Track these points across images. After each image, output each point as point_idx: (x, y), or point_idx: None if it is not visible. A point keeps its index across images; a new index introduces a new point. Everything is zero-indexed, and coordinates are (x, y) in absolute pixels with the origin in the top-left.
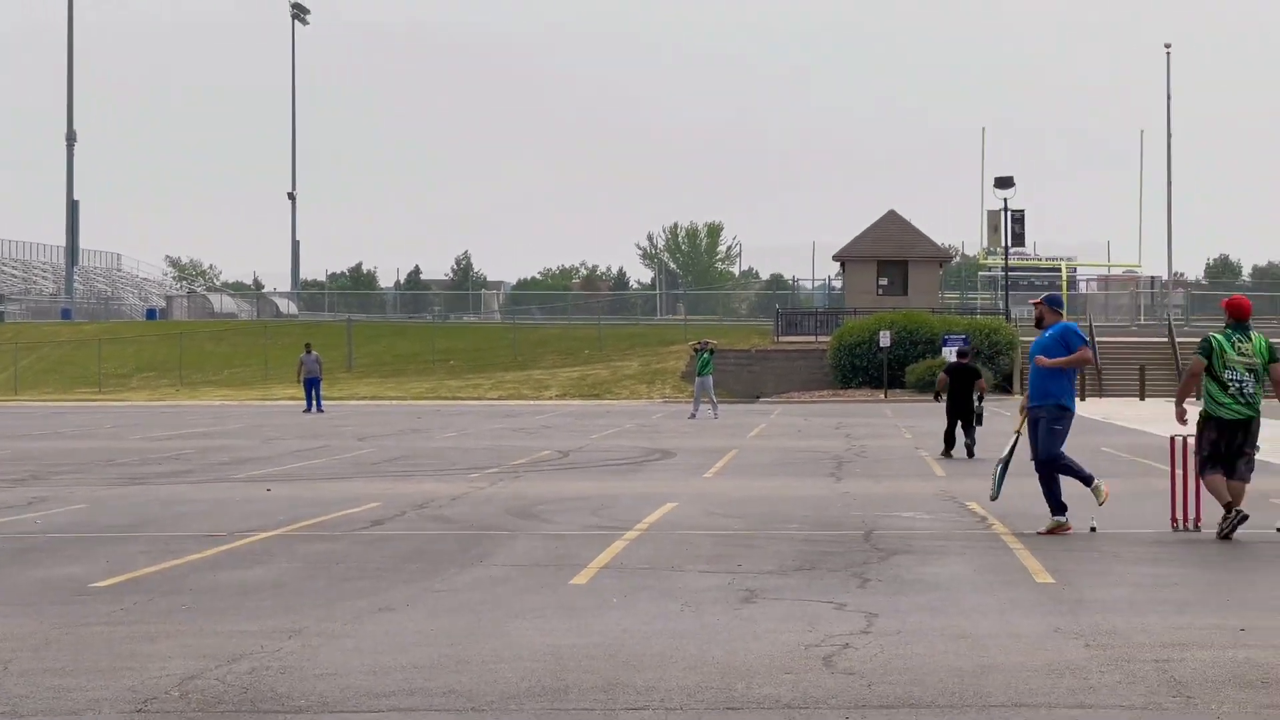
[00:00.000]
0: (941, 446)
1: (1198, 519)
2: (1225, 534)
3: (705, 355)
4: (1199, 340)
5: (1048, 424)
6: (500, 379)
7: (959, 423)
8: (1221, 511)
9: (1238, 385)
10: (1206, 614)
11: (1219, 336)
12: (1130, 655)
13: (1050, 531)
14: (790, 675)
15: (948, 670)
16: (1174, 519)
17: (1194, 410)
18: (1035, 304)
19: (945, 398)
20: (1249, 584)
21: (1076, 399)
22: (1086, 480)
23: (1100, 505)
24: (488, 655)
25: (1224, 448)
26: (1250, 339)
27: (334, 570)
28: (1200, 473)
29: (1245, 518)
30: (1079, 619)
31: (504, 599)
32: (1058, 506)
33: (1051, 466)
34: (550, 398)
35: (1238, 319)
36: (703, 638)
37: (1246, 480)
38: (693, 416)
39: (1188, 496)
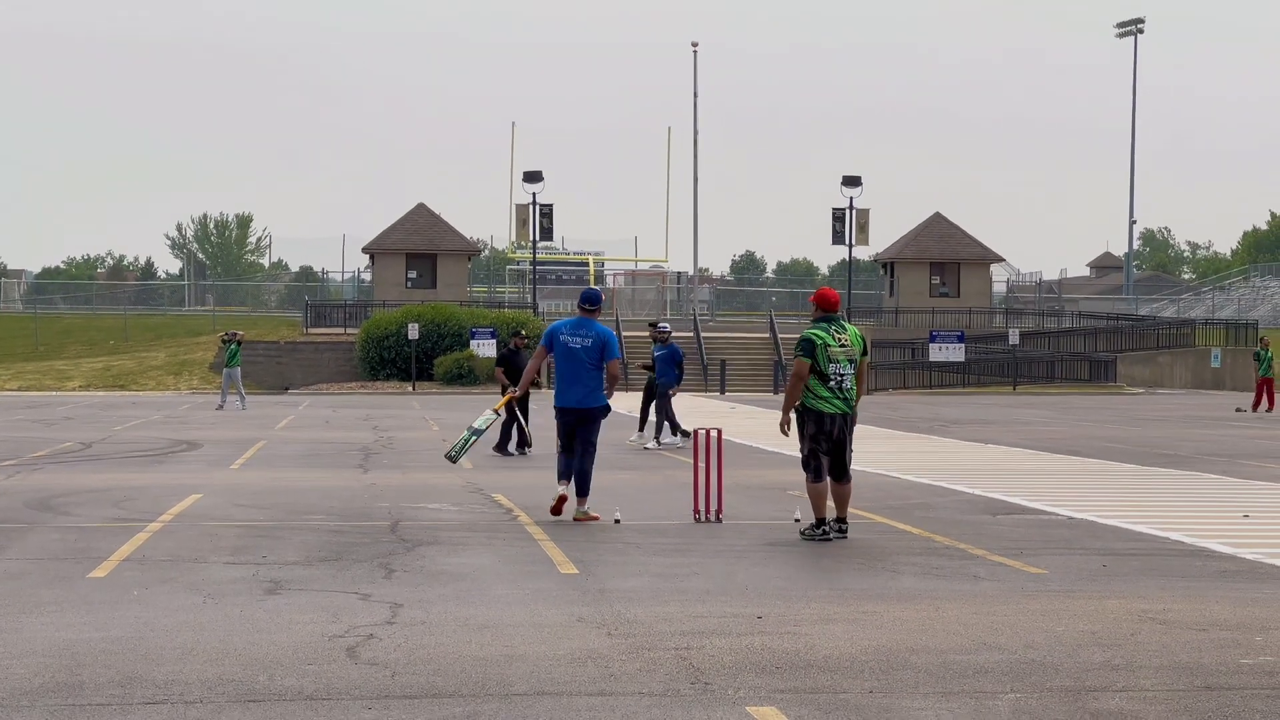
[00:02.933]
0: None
1: (719, 511)
2: (812, 537)
3: (233, 346)
4: (797, 340)
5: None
6: (21, 369)
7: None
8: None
9: (839, 379)
10: (725, 603)
11: (818, 331)
12: (651, 644)
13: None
14: (313, 666)
15: (472, 660)
16: (696, 510)
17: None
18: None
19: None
20: (766, 574)
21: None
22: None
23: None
24: None
25: (825, 445)
26: (845, 329)
27: None
28: (805, 470)
29: (843, 533)
30: (601, 608)
31: (18, 594)
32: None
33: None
34: (74, 389)
35: (829, 310)
36: (225, 630)
37: (849, 482)
38: (220, 407)
39: (710, 489)
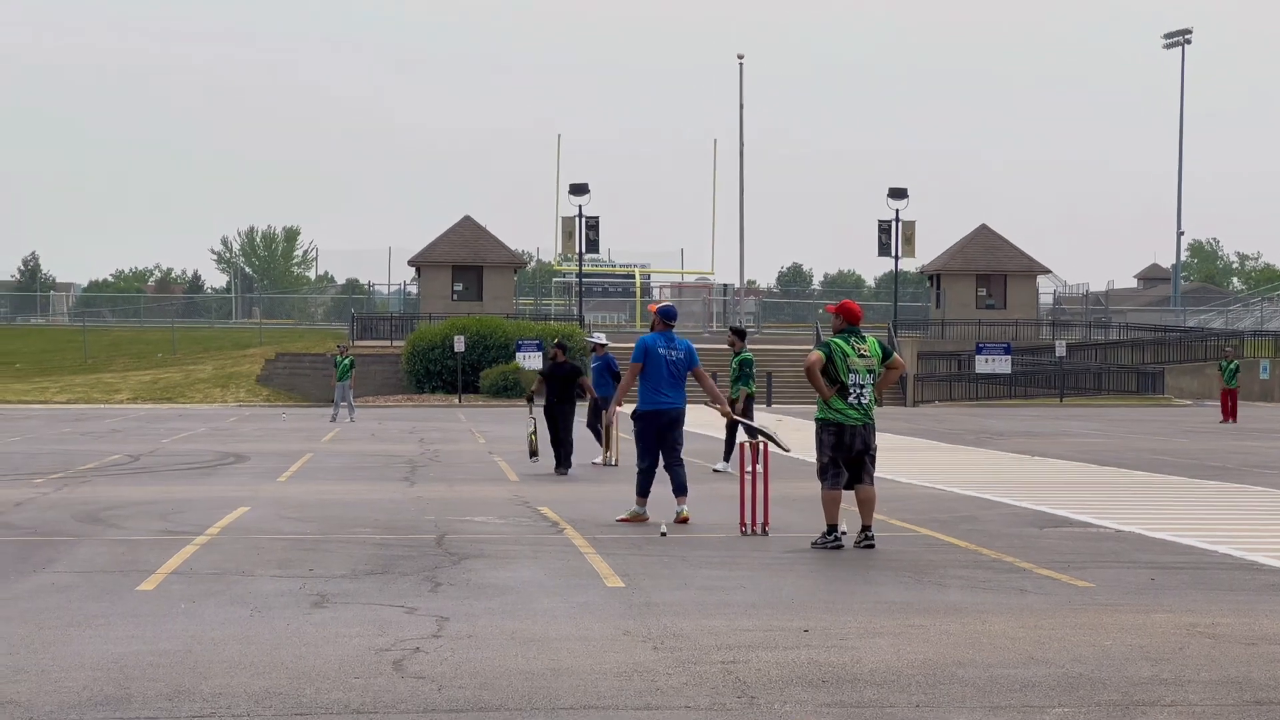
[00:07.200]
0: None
1: (765, 523)
2: (824, 545)
3: (344, 360)
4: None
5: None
6: (69, 382)
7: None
8: (828, 525)
9: (858, 391)
10: (771, 616)
11: (837, 340)
12: (697, 657)
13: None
14: (360, 679)
15: (518, 673)
16: (743, 523)
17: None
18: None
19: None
20: (812, 586)
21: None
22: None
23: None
24: (48, 665)
25: (844, 454)
26: (865, 340)
27: None
28: (821, 479)
29: (870, 543)
30: (647, 622)
31: (67, 607)
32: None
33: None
34: (121, 401)
35: (850, 323)
36: (272, 643)
37: (872, 485)
38: (333, 419)
39: (756, 502)
